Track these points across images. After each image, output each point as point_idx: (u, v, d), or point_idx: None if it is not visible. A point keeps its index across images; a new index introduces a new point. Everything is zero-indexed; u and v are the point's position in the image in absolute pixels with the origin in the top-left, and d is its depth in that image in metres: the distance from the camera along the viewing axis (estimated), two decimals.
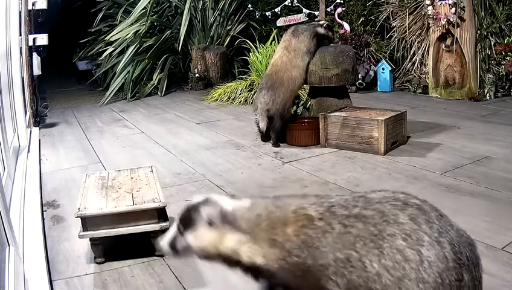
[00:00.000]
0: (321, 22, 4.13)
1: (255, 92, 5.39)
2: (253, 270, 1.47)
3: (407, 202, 1.36)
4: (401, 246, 1.28)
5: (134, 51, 6.85)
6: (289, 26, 5.25)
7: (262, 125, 3.89)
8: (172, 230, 1.49)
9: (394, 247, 1.29)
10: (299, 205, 1.43)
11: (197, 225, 1.43)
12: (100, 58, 7.39)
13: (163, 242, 1.50)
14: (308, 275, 1.39)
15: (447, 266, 1.25)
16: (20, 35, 4.24)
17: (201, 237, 1.43)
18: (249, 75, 6.24)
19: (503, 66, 5.28)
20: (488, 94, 5.39)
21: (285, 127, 3.94)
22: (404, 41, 6.09)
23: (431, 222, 1.31)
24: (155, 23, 7.42)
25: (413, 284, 1.25)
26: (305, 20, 6.42)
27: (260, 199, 1.53)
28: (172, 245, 1.47)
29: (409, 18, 5.97)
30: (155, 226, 2.13)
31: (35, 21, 5.62)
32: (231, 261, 1.46)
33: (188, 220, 1.45)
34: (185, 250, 1.47)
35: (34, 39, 4.96)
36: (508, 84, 5.45)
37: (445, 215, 1.37)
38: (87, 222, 2.09)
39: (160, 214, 2.15)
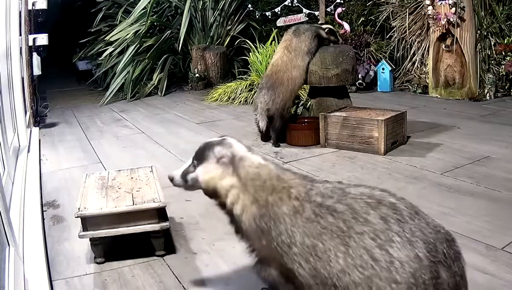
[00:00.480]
0: (323, 26, 4.12)
1: (255, 92, 5.39)
2: (232, 218, 1.59)
3: (382, 201, 1.35)
4: (369, 245, 1.28)
5: (134, 51, 6.85)
6: (289, 26, 5.25)
7: (262, 125, 3.89)
8: (187, 163, 1.64)
9: (362, 246, 1.28)
10: (289, 182, 1.51)
11: (208, 160, 1.57)
12: (100, 58, 7.38)
13: (177, 172, 1.66)
14: (270, 246, 1.45)
15: (420, 265, 1.24)
16: (20, 35, 4.24)
17: (208, 170, 1.57)
18: (249, 75, 6.24)
19: (503, 66, 5.29)
20: (488, 94, 5.39)
21: (285, 127, 3.94)
22: (404, 41, 6.09)
23: (403, 221, 1.29)
24: (155, 23, 7.42)
25: (385, 283, 1.24)
26: (305, 20, 6.41)
27: (273, 164, 1.60)
28: (184, 176, 1.63)
29: (409, 18, 5.97)
30: (155, 226, 2.13)
31: (35, 21, 5.62)
32: (221, 201, 1.59)
33: (201, 155, 1.60)
34: (193, 182, 1.61)
35: (34, 39, 4.96)
36: (508, 84, 5.45)
37: (422, 212, 1.35)
38: (87, 222, 2.09)
39: (160, 214, 2.15)
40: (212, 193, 1.59)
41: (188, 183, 1.63)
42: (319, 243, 1.34)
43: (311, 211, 1.38)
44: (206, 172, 1.57)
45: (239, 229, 1.58)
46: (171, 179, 1.68)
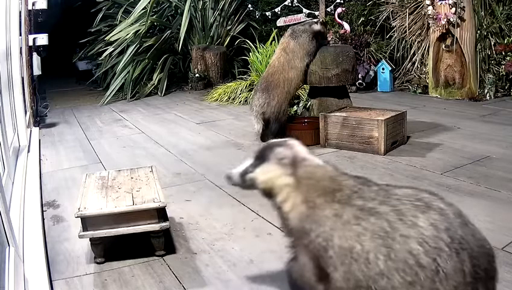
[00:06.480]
0: (315, 20, 4.12)
1: None
2: (281, 217, 1.56)
3: (431, 205, 1.29)
4: (416, 250, 1.22)
5: (134, 51, 6.85)
6: (289, 26, 5.25)
7: (258, 128, 3.88)
8: (247, 163, 1.62)
9: (407, 250, 1.23)
10: (340, 184, 1.48)
11: (269, 160, 1.55)
12: (100, 58, 7.39)
13: (236, 171, 1.63)
14: (310, 246, 1.43)
15: (464, 280, 1.20)
16: (20, 35, 4.24)
17: (267, 170, 1.54)
18: (249, 75, 6.24)
19: (503, 66, 5.29)
20: (488, 94, 5.39)
21: (283, 129, 3.92)
22: (404, 41, 6.09)
23: (452, 230, 1.24)
24: (155, 23, 7.42)
25: None
26: (305, 20, 6.41)
27: (331, 166, 1.58)
28: (243, 175, 1.60)
29: (409, 18, 5.97)
30: (155, 226, 2.13)
31: (35, 21, 5.62)
32: (275, 201, 1.56)
33: (262, 155, 1.58)
34: (251, 182, 1.59)
35: (34, 39, 4.96)
36: (508, 84, 5.45)
37: (469, 222, 1.31)
38: (87, 222, 2.09)
39: (160, 214, 2.15)
40: (269, 193, 1.57)
41: (245, 183, 1.61)
42: (357, 244, 1.30)
43: (351, 214, 1.35)
44: (265, 172, 1.55)
45: (286, 226, 1.56)
46: (229, 178, 1.65)
